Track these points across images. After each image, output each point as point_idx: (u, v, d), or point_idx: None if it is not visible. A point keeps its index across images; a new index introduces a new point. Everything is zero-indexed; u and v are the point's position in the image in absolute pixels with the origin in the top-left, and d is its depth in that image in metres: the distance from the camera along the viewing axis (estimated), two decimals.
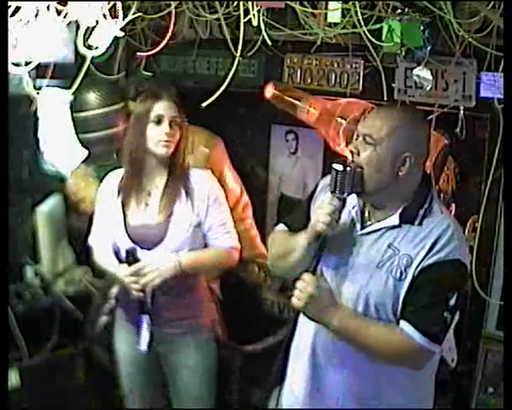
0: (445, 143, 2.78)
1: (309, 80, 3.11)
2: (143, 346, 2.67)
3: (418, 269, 1.96)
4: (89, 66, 2.46)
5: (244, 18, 2.47)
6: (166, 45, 2.94)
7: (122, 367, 2.91)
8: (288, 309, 3.38)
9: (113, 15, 2.37)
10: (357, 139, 2.04)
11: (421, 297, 1.95)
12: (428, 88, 2.62)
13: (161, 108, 2.63)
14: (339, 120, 2.86)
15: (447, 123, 2.72)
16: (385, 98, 2.81)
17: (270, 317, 3.52)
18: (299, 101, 3.02)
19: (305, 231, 2.07)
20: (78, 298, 3.48)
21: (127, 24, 2.49)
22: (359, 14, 2.29)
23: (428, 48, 2.47)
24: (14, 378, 3.13)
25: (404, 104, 2.72)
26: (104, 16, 2.33)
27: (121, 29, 2.44)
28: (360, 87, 2.96)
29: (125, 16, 2.43)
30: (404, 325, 1.96)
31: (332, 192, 2.01)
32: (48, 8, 2.26)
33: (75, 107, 3.19)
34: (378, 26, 2.37)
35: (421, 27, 2.39)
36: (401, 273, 1.98)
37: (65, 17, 2.29)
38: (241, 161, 3.49)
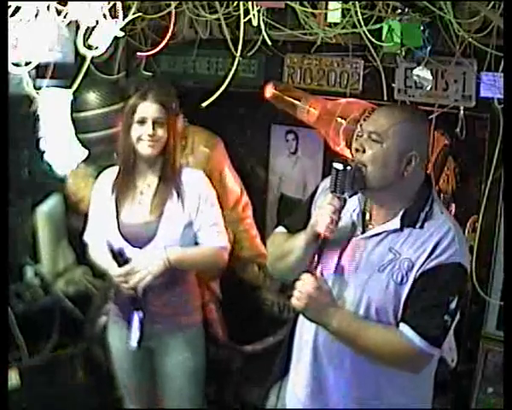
0: (445, 143, 2.79)
1: (309, 80, 3.11)
2: (134, 343, 2.69)
3: (419, 273, 1.96)
4: (89, 66, 2.46)
5: (244, 18, 2.47)
6: (166, 45, 2.93)
7: (116, 362, 2.92)
8: (288, 309, 3.38)
9: (113, 15, 2.37)
10: (361, 137, 2.02)
11: (421, 300, 1.94)
12: (428, 88, 2.62)
13: (144, 109, 2.64)
14: (339, 120, 2.86)
15: (447, 123, 2.72)
16: (385, 98, 2.81)
17: (270, 317, 3.52)
18: (299, 101, 3.02)
19: (304, 231, 2.07)
20: (78, 298, 3.48)
21: (127, 24, 2.48)
22: (359, 14, 2.29)
23: (428, 48, 2.47)
24: (14, 378, 3.13)
25: (409, 104, 2.71)
26: (104, 16, 2.33)
27: (121, 29, 2.44)
28: (360, 87, 2.96)
29: (125, 16, 2.43)
30: (403, 327, 1.95)
31: (332, 192, 2.00)
32: (48, 8, 2.26)
33: (75, 107, 3.19)
34: (378, 26, 2.37)
35: (421, 27, 2.39)
36: (402, 277, 1.97)
37: (65, 17, 2.29)
38: (241, 161, 3.49)
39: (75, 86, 2.54)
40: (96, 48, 2.42)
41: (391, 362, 2.00)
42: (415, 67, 2.59)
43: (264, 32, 2.58)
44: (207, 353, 2.90)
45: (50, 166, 3.59)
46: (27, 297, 3.42)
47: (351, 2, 2.34)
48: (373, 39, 2.39)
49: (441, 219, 2.02)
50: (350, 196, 2.03)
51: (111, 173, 2.81)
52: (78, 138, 3.23)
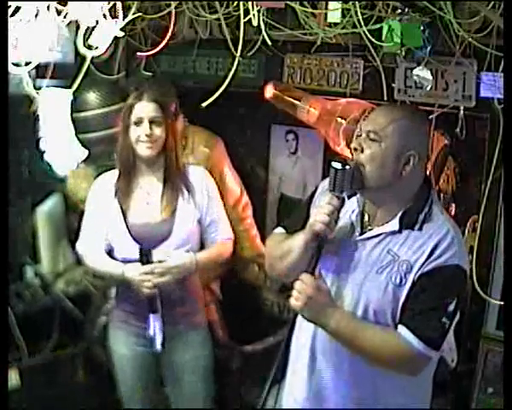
0: (445, 143, 2.78)
1: (309, 80, 3.11)
2: (158, 346, 2.69)
3: (417, 275, 1.95)
4: (89, 66, 2.46)
5: (244, 18, 2.47)
6: (166, 45, 2.94)
7: (119, 369, 2.91)
8: (288, 309, 3.37)
9: (113, 15, 2.37)
10: (359, 136, 2.02)
11: (419, 303, 1.94)
12: (428, 88, 2.62)
13: (140, 109, 2.64)
14: (339, 120, 2.86)
15: (447, 123, 2.71)
16: (385, 98, 2.81)
17: (270, 317, 3.52)
18: (299, 101, 3.02)
19: (302, 231, 2.07)
20: (78, 298, 3.47)
21: (127, 24, 2.49)
22: (359, 14, 2.29)
23: (428, 48, 2.47)
24: (14, 378, 3.13)
25: (408, 104, 2.71)
26: (104, 16, 2.33)
27: (121, 29, 2.44)
28: (360, 87, 2.96)
29: (125, 16, 2.43)
30: (401, 329, 1.95)
31: (331, 191, 2.00)
32: (48, 8, 2.26)
33: (75, 107, 3.19)
34: (378, 26, 2.36)
35: (421, 27, 2.38)
36: (401, 280, 1.97)
37: (65, 17, 2.29)
38: (241, 161, 3.49)
39: (75, 86, 2.54)
40: (96, 48, 2.43)
41: (389, 364, 1.99)
42: (415, 67, 2.59)
43: (264, 32, 2.58)
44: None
45: (50, 166, 3.58)
46: (27, 297, 3.41)
47: (351, 2, 2.34)
48: (373, 39, 2.39)
49: (440, 221, 2.01)
50: (349, 197, 2.03)
51: (109, 178, 2.80)
52: (78, 138, 3.23)
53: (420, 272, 1.95)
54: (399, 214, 2.01)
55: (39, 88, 2.93)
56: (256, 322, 3.48)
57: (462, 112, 2.65)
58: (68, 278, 3.55)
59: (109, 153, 3.14)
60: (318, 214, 2.00)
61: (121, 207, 2.74)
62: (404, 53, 2.57)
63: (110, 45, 2.52)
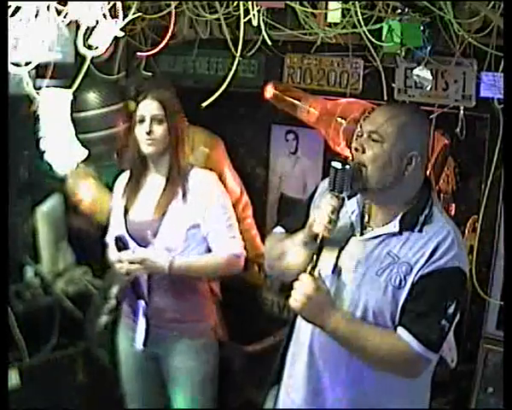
0: (445, 143, 2.79)
1: (309, 80, 3.11)
2: (139, 344, 2.70)
3: (417, 277, 1.94)
4: (89, 66, 2.46)
5: (244, 18, 2.47)
6: (166, 45, 2.93)
7: (123, 366, 2.92)
8: (288, 309, 3.37)
9: (113, 15, 2.37)
10: (360, 137, 2.01)
11: (419, 305, 1.93)
12: (428, 88, 2.62)
13: (144, 107, 2.68)
14: (339, 119, 2.86)
15: (447, 123, 2.72)
16: (385, 98, 2.81)
17: (270, 317, 3.52)
18: (299, 101, 3.03)
19: (302, 231, 2.06)
20: (78, 298, 3.47)
21: (127, 24, 2.48)
22: (359, 14, 2.29)
23: (428, 48, 2.47)
24: (14, 378, 3.13)
25: (408, 104, 2.71)
26: (104, 16, 2.33)
27: (121, 29, 2.43)
28: (360, 87, 2.96)
29: (125, 16, 2.43)
30: (401, 331, 1.94)
31: (331, 191, 1.99)
32: (48, 8, 2.26)
33: (75, 107, 3.19)
34: (378, 26, 2.36)
35: (421, 27, 2.39)
36: (400, 281, 1.96)
37: (65, 17, 2.29)
38: (241, 161, 3.49)
39: (75, 86, 2.53)
40: (96, 48, 2.42)
41: (387, 366, 1.98)
42: (415, 67, 2.59)
43: (264, 32, 2.57)
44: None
45: (50, 166, 3.58)
46: (27, 297, 3.41)
47: (351, 2, 2.34)
48: (373, 39, 2.39)
49: (440, 223, 2.00)
50: (349, 197, 2.02)
51: (126, 176, 2.85)
52: (78, 138, 3.23)
53: (420, 274, 1.94)
54: (400, 216, 2.01)
55: (39, 88, 2.93)
56: (256, 322, 3.48)
57: (462, 112, 2.65)
58: (68, 278, 3.55)
59: (109, 153, 3.15)
60: (318, 215, 2.00)
61: (126, 204, 2.78)
62: (404, 53, 2.57)
63: (110, 45, 2.51)
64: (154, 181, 2.76)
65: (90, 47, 2.42)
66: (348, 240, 2.06)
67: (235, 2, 2.54)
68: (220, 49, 2.92)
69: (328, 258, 2.05)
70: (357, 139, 2.05)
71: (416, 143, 1.99)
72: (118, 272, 2.69)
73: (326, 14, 2.53)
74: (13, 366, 3.13)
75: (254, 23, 2.48)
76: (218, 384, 2.96)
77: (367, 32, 2.34)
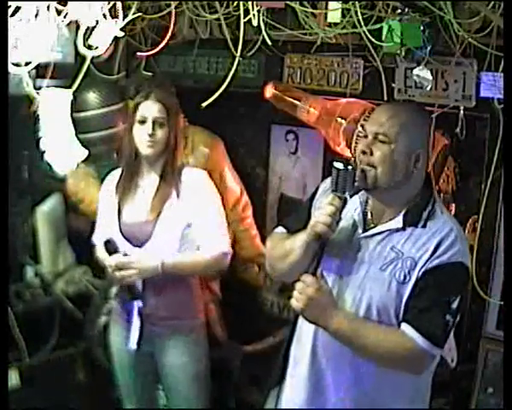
0: (445, 143, 2.78)
1: (309, 80, 3.11)
2: (132, 344, 2.70)
3: (421, 271, 1.95)
4: (89, 66, 2.46)
5: (244, 18, 2.47)
6: (166, 45, 2.94)
7: (117, 364, 2.92)
8: (288, 309, 3.38)
9: (113, 15, 2.37)
10: (365, 138, 2.01)
11: (423, 300, 1.93)
12: (428, 88, 2.62)
13: (145, 108, 2.66)
14: (339, 119, 2.86)
15: (447, 123, 2.72)
16: (385, 98, 2.81)
17: (270, 317, 3.52)
18: (299, 101, 3.02)
19: (304, 231, 2.06)
20: (78, 298, 3.48)
21: (127, 24, 2.48)
22: (359, 14, 2.29)
23: (428, 48, 2.47)
24: (14, 378, 3.13)
25: (408, 101, 2.70)
26: (104, 16, 2.33)
27: (121, 29, 2.43)
28: (360, 87, 2.96)
29: (125, 16, 2.43)
30: (405, 327, 1.94)
31: (333, 191, 1.99)
32: (48, 8, 2.26)
33: (75, 107, 3.19)
34: (378, 26, 2.37)
35: (421, 27, 2.39)
36: (405, 276, 1.96)
37: (65, 17, 2.29)
38: (241, 161, 3.49)
39: (75, 86, 2.54)
40: (96, 48, 2.42)
41: (392, 363, 1.98)
42: (415, 67, 2.59)
43: (264, 32, 2.58)
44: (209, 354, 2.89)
45: (50, 166, 3.58)
46: (27, 297, 3.41)
47: (351, 2, 2.34)
48: (373, 39, 2.39)
49: (443, 219, 2.02)
50: (351, 196, 2.03)
51: (116, 175, 2.82)
52: (78, 138, 3.23)
53: (424, 269, 1.94)
54: (403, 212, 2.02)
55: (39, 88, 2.93)
56: (256, 322, 3.48)
57: (462, 112, 2.65)
58: (68, 278, 3.55)
59: (109, 153, 3.15)
60: (320, 215, 1.99)
61: (119, 205, 2.76)
62: (404, 53, 2.57)
63: (110, 45, 2.51)
64: (148, 181, 2.75)
65: (90, 47, 2.42)
66: (351, 237, 2.07)
67: (235, 2, 2.54)
68: (220, 49, 2.92)
69: (330, 257, 2.05)
70: (360, 141, 2.05)
71: (421, 140, 2.01)
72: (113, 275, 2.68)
73: (326, 14, 2.53)
74: (13, 366, 3.13)
75: (254, 23, 2.48)
76: (217, 384, 2.96)
77: (367, 32, 2.34)
